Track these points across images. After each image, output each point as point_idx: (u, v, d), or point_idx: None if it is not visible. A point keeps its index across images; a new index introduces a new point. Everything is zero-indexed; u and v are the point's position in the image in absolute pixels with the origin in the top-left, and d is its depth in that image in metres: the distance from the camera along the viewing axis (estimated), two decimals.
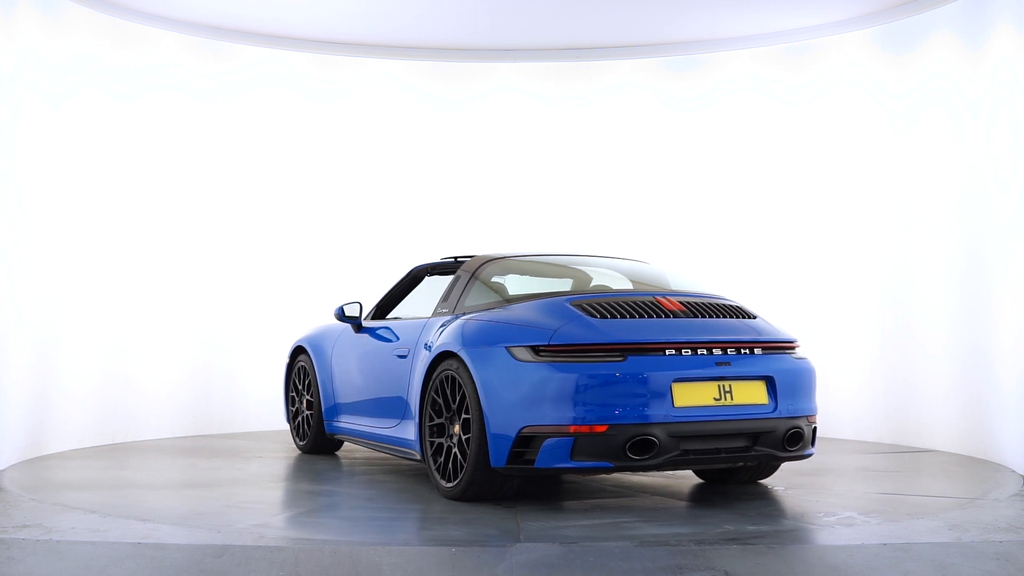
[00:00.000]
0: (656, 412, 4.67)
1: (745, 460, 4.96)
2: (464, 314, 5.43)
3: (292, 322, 8.97)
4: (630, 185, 9.32)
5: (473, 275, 5.83)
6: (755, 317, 5.34)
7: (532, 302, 5.20)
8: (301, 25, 8.58)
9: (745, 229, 8.97)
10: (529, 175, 9.42)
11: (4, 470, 6.19)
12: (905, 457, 7.10)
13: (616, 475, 6.02)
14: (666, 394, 4.70)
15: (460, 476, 5.01)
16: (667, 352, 4.80)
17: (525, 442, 4.72)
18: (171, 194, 8.40)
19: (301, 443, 7.34)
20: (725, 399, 4.85)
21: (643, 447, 4.66)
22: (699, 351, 4.86)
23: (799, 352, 5.30)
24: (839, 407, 8.33)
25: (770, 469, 5.60)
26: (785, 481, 5.89)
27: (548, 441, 4.67)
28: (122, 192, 7.99)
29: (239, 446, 7.67)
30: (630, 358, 4.73)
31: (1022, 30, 6.45)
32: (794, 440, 5.04)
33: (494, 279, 5.85)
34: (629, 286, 5.88)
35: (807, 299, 8.61)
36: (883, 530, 4.42)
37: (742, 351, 4.98)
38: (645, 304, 5.08)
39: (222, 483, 5.81)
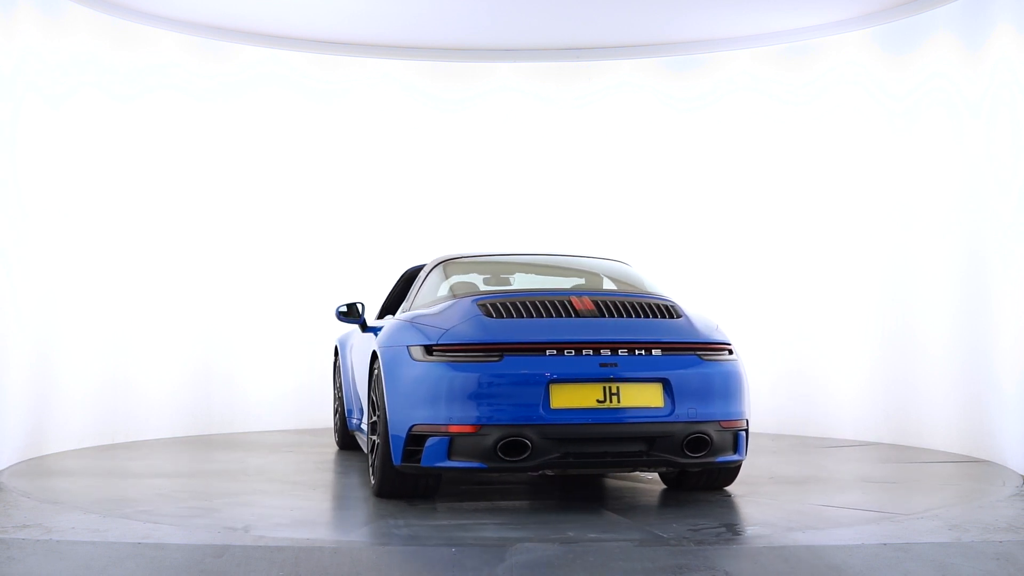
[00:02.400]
0: (529, 413, 4.58)
1: (640, 465, 4.79)
2: (410, 313, 5.49)
3: (292, 322, 8.98)
4: (630, 185, 9.31)
5: (428, 275, 5.95)
6: (680, 316, 5.08)
7: (447, 302, 5.22)
8: (301, 25, 8.58)
9: (745, 229, 8.97)
10: (529, 175, 9.42)
11: (4, 470, 6.19)
12: (905, 457, 7.10)
13: (621, 476, 6.02)
14: (542, 395, 4.60)
15: (375, 474, 5.14)
16: (548, 352, 4.68)
17: (415, 441, 4.74)
18: (171, 194, 8.40)
19: (336, 439, 7.51)
20: (611, 401, 4.65)
21: (515, 448, 4.59)
22: (584, 352, 4.70)
23: (726, 355, 5.01)
24: (839, 407, 8.33)
25: (724, 474, 5.35)
26: (785, 481, 5.89)
27: (430, 440, 4.69)
28: (122, 192, 7.99)
29: (239, 446, 7.67)
30: (507, 358, 4.67)
31: (1022, 30, 6.45)
32: (697, 445, 4.78)
33: (452, 279, 5.88)
34: (579, 283, 5.93)
35: (807, 299, 8.61)
36: (883, 530, 4.41)
37: (636, 352, 4.77)
38: (554, 303, 4.96)
39: (222, 483, 5.81)
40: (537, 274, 6.32)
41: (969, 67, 7.12)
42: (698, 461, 4.82)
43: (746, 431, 5.05)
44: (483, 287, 5.88)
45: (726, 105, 9.04)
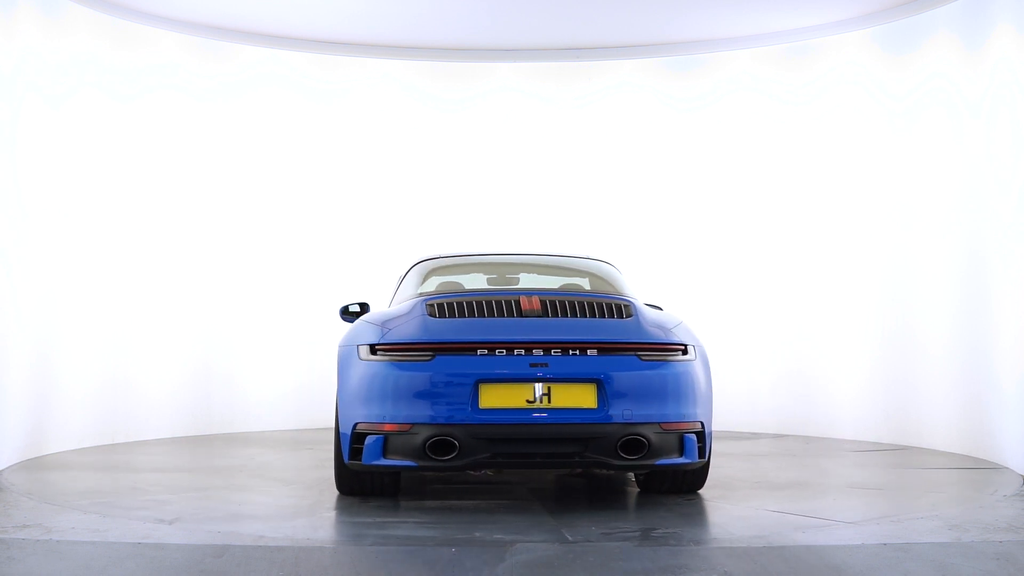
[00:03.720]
0: (457, 413, 4.60)
1: (574, 466, 4.74)
2: (373, 313, 5.54)
3: (292, 322, 8.97)
4: (630, 185, 9.32)
5: (406, 275, 6.01)
6: (631, 316, 4.97)
7: (407, 302, 5.28)
8: (301, 25, 8.58)
9: (745, 229, 8.97)
10: (529, 175, 9.42)
11: (4, 470, 6.19)
12: (905, 457, 7.10)
13: (619, 474, 6.02)
14: (470, 395, 4.62)
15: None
16: (479, 352, 4.69)
17: (358, 439, 4.81)
18: (171, 194, 8.40)
19: None
20: (541, 402, 4.62)
21: (443, 447, 4.63)
22: (516, 352, 4.69)
23: (678, 355, 4.86)
24: (839, 407, 8.33)
25: (689, 477, 5.24)
26: (785, 480, 5.89)
27: (368, 438, 4.76)
28: (122, 192, 7.99)
29: (239, 446, 7.67)
30: (438, 358, 4.70)
31: (1022, 30, 6.45)
32: (633, 448, 4.68)
33: (429, 279, 5.92)
34: (555, 285, 5.95)
35: (807, 299, 8.61)
36: (883, 530, 4.42)
37: (571, 352, 4.71)
38: (501, 303, 4.94)
39: (222, 483, 5.81)
40: (514, 273, 6.34)
41: (969, 67, 7.12)
42: (635, 463, 4.72)
43: (700, 433, 4.88)
44: (447, 287, 5.87)
45: (726, 105, 9.04)
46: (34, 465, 6.47)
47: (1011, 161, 6.52)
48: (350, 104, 9.23)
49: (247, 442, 7.93)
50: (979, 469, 6.42)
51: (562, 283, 6.12)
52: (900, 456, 7.15)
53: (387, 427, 4.70)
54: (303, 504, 5.10)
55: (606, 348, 4.75)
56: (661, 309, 6.50)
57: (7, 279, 6.48)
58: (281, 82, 9.01)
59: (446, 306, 4.96)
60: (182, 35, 8.42)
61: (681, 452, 4.82)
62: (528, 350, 4.69)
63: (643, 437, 4.67)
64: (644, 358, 4.78)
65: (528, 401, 4.63)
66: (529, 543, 4.06)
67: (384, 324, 4.97)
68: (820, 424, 8.44)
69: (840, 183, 8.43)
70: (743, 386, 8.88)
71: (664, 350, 4.84)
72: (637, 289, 7.12)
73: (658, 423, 4.72)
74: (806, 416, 8.54)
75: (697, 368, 4.94)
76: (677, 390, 4.79)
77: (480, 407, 4.61)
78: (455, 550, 3.93)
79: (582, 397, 4.66)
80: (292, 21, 8.47)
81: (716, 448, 7.58)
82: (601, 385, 4.67)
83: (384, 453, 4.73)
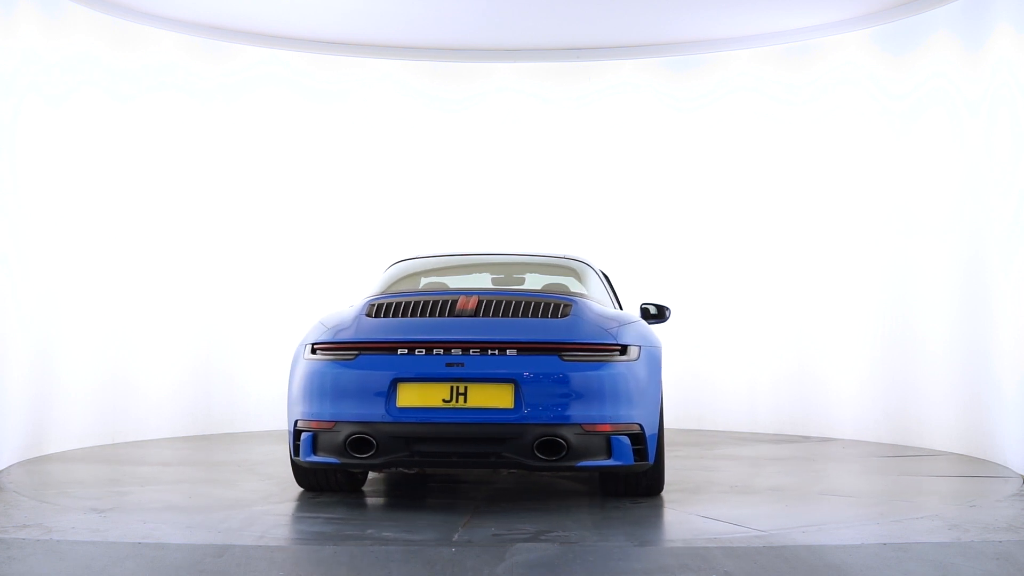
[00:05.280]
0: (375, 411, 4.67)
1: (491, 466, 4.76)
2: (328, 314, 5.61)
3: (292, 322, 8.96)
4: (631, 185, 9.32)
5: (380, 276, 6.07)
6: (567, 316, 4.89)
7: (357, 304, 5.33)
8: (301, 25, 8.58)
9: (745, 229, 8.97)
10: (529, 175, 9.41)
11: (4, 470, 6.19)
12: (904, 457, 7.10)
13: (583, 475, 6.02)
14: (388, 394, 4.68)
15: None
16: (399, 352, 4.74)
17: (297, 435, 4.94)
18: (171, 194, 8.40)
19: None
20: (457, 401, 4.64)
21: (362, 446, 4.71)
22: (435, 351, 4.71)
23: (615, 355, 4.76)
24: (839, 407, 8.33)
25: (640, 480, 5.11)
26: (785, 480, 5.89)
27: (303, 435, 4.90)
28: (122, 192, 7.99)
29: (239, 446, 7.67)
30: (361, 357, 4.79)
31: (1022, 30, 6.45)
32: (551, 448, 4.62)
33: (397, 279, 5.95)
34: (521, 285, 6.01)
35: (808, 299, 8.61)
36: (883, 530, 4.42)
37: (490, 352, 4.69)
38: (437, 303, 4.97)
39: (222, 483, 5.81)
40: (483, 273, 6.36)
41: (969, 67, 7.12)
42: (554, 465, 4.65)
43: (637, 435, 4.76)
44: (400, 288, 5.86)
45: (726, 105, 9.04)
46: (34, 465, 6.47)
47: (1011, 161, 6.52)
48: (350, 104, 9.23)
49: (247, 441, 7.93)
50: (979, 469, 6.42)
51: (538, 282, 6.11)
52: (899, 455, 7.15)
53: (314, 424, 4.84)
54: (304, 503, 5.10)
55: (526, 348, 4.72)
56: (667, 310, 6.52)
57: (7, 279, 6.48)
58: (281, 82, 9.02)
59: (384, 306, 5.05)
60: (182, 35, 8.42)
61: (609, 454, 4.72)
62: (447, 350, 4.72)
63: (561, 438, 4.61)
64: (566, 358, 4.72)
65: (444, 401, 4.66)
66: (529, 543, 4.06)
67: (330, 324, 5.08)
68: (820, 424, 8.44)
69: (840, 183, 8.43)
70: (743, 386, 8.89)
71: (592, 350, 4.76)
72: (620, 289, 7.15)
73: (580, 424, 4.65)
74: (806, 416, 8.54)
75: (638, 369, 4.84)
76: (604, 391, 4.70)
77: (398, 406, 4.68)
78: (455, 550, 3.94)
79: (499, 397, 4.65)
80: (292, 21, 8.47)
81: (712, 451, 7.57)
82: (518, 385, 4.65)
83: (314, 450, 4.87)
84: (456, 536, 4.21)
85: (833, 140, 8.49)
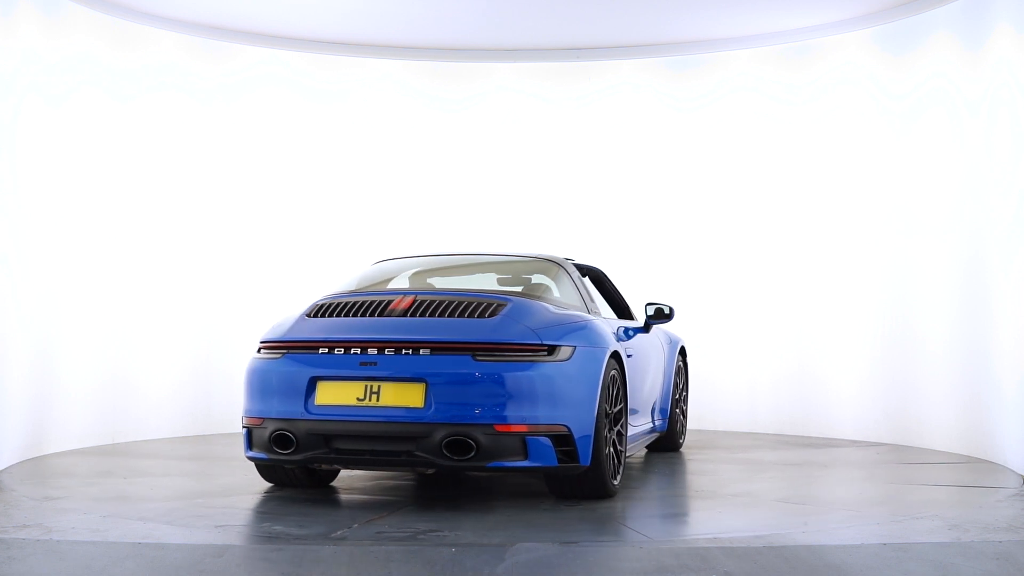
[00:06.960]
0: (295, 409, 4.83)
1: (404, 465, 4.76)
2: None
3: None
4: (630, 185, 9.32)
5: (357, 275, 6.16)
6: (494, 316, 4.85)
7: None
8: (301, 25, 8.58)
9: (745, 229, 8.97)
10: (529, 175, 9.42)
11: (4, 470, 6.19)
12: (904, 457, 7.10)
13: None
14: (307, 392, 4.83)
15: None
16: (320, 351, 4.88)
17: (246, 432, 5.13)
18: (171, 194, 8.40)
19: None
20: (370, 400, 4.73)
21: (283, 442, 4.86)
22: (352, 351, 4.82)
23: (541, 355, 4.72)
24: (839, 407, 8.33)
25: (582, 483, 4.98)
26: (785, 480, 5.89)
27: (245, 431, 5.11)
28: (122, 192, 7.99)
29: (239, 445, 7.66)
30: (286, 356, 4.97)
31: (1022, 30, 6.45)
32: (459, 448, 4.61)
33: (370, 280, 6.01)
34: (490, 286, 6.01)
35: (808, 299, 8.61)
36: (883, 530, 4.42)
37: (403, 351, 4.74)
38: (371, 304, 5.07)
39: (222, 483, 5.81)
40: (454, 275, 6.44)
41: (969, 67, 7.12)
42: (464, 464, 4.64)
43: (563, 437, 4.71)
44: (354, 288, 5.86)
45: (726, 105, 9.04)
46: (34, 465, 6.47)
47: (1011, 161, 6.52)
48: (350, 104, 9.23)
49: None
50: (979, 469, 6.42)
51: (512, 282, 6.10)
52: (898, 456, 7.15)
53: (249, 421, 5.05)
54: (304, 503, 5.10)
55: (439, 348, 4.74)
56: (673, 311, 6.55)
57: (7, 279, 6.48)
58: (281, 82, 9.01)
59: (325, 307, 5.19)
60: (182, 35, 8.42)
61: (526, 455, 4.67)
62: (363, 349, 4.82)
63: (470, 438, 4.60)
64: (480, 358, 4.70)
65: (358, 399, 4.76)
66: (529, 543, 4.06)
67: (277, 324, 5.26)
68: (820, 424, 8.44)
69: (840, 183, 8.43)
70: (743, 386, 8.89)
71: (511, 350, 4.72)
72: (620, 290, 7.13)
73: (491, 424, 4.62)
74: (806, 416, 8.54)
75: (568, 369, 4.78)
76: (521, 391, 4.65)
77: (315, 404, 4.82)
78: (455, 550, 3.93)
79: (410, 396, 4.70)
80: (292, 21, 8.47)
81: (712, 452, 7.58)
82: (428, 385, 4.68)
83: (250, 446, 5.09)
84: (338, 533, 4.26)
85: (833, 140, 8.49)
